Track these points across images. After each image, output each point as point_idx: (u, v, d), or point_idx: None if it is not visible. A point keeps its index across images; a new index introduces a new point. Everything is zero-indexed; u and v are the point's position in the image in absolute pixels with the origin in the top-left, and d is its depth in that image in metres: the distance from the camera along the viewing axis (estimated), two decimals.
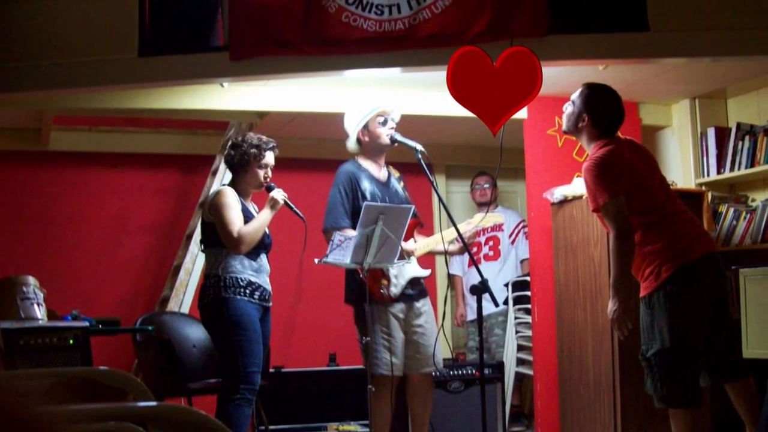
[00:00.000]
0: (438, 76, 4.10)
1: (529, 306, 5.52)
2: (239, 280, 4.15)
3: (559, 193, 5.15)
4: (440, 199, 4.15)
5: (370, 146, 4.40)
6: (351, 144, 4.43)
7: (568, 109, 3.86)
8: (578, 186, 4.94)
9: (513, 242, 6.32)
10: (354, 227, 4.09)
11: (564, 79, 4.68)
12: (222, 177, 5.60)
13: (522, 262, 6.23)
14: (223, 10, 4.25)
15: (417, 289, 4.40)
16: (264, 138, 4.34)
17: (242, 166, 4.28)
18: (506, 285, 6.00)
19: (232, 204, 4.16)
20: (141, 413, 1.80)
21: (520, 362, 5.83)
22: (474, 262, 4.32)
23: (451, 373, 5.22)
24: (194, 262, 5.69)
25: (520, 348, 5.84)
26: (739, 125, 5.44)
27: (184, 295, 5.66)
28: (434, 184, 4.16)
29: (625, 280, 3.59)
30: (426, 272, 4.44)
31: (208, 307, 4.21)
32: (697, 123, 5.67)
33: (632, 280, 3.67)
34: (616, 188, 3.58)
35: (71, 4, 4.29)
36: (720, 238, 5.36)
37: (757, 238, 5.24)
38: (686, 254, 3.60)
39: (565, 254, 5.14)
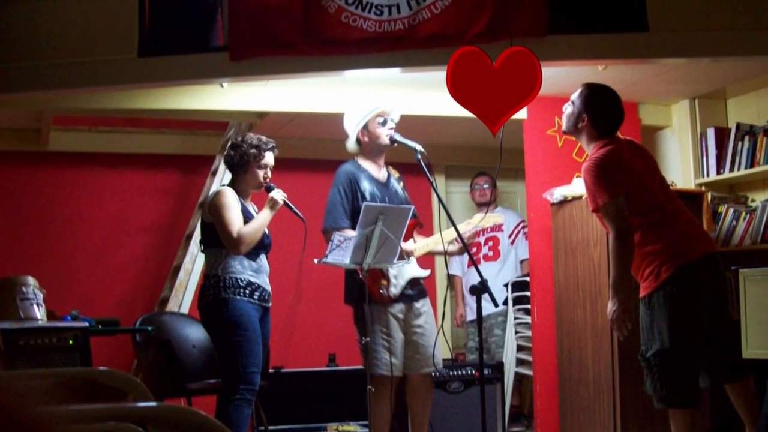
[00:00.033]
0: (437, 76, 4.10)
1: (529, 306, 5.52)
2: (239, 280, 4.15)
3: (558, 193, 5.15)
4: (440, 200, 4.15)
5: (369, 146, 4.40)
6: (350, 144, 4.43)
7: (567, 109, 3.86)
8: (578, 186, 4.94)
9: (512, 242, 6.32)
10: (353, 227, 4.09)
11: (563, 79, 4.68)
12: (221, 177, 5.60)
13: (521, 262, 6.23)
14: (222, 11, 4.25)
15: (416, 289, 4.40)
16: (263, 138, 4.34)
17: (242, 166, 4.28)
18: (506, 285, 6.00)
19: (232, 204, 4.16)
20: (140, 413, 1.80)
21: (520, 362, 5.83)
22: (473, 263, 4.33)
23: (451, 373, 5.22)
24: (194, 262, 5.69)
25: (519, 348, 5.84)
26: (738, 125, 5.44)
27: (184, 295, 5.66)
28: (434, 184, 4.16)
29: (624, 280, 3.59)
30: (425, 272, 4.44)
31: (207, 307, 4.21)
32: (697, 123, 5.67)
33: (632, 280, 3.67)
34: (615, 188, 3.58)
35: (70, 5, 4.29)
36: (720, 238, 5.36)
37: (756, 238, 5.24)
38: (686, 255, 3.60)
39: (564, 254, 5.14)
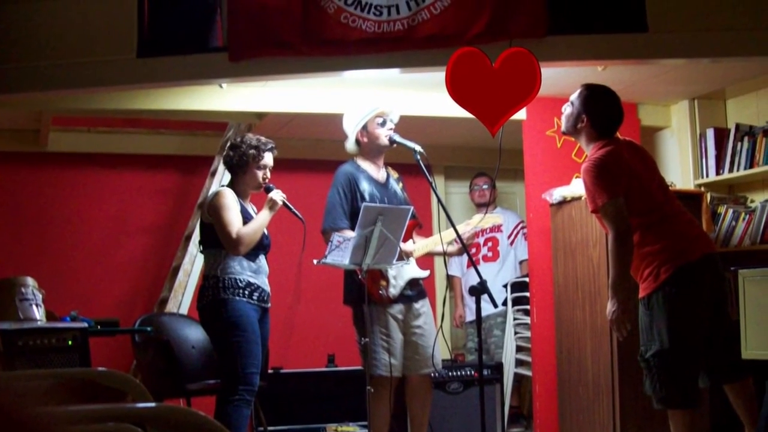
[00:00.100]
0: (437, 77, 4.10)
1: (528, 307, 5.52)
2: (238, 281, 4.15)
3: (558, 194, 5.15)
4: (439, 200, 4.15)
5: (368, 147, 4.40)
6: (350, 145, 4.43)
7: (567, 110, 3.86)
8: (577, 187, 4.94)
9: (512, 243, 6.32)
10: (353, 228, 4.08)
11: (563, 80, 4.68)
12: (221, 178, 5.60)
13: (521, 263, 6.23)
14: (221, 11, 4.25)
15: (416, 290, 4.40)
16: (263, 139, 4.34)
17: (241, 167, 4.28)
18: (505, 286, 6.00)
19: (231, 205, 4.16)
20: (140, 414, 1.80)
21: (519, 363, 5.83)
22: (473, 263, 4.33)
23: (450, 374, 5.22)
24: (193, 263, 5.69)
25: (519, 349, 5.84)
26: (738, 126, 5.45)
27: (183, 296, 5.66)
28: (433, 185, 4.16)
29: (624, 281, 3.59)
30: (425, 273, 4.44)
31: (206, 308, 4.20)
32: (696, 124, 5.68)
33: (631, 281, 3.67)
34: (615, 189, 3.58)
35: (70, 5, 4.29)
36: (719, 239, 5.36)
37: (756, 239, 5.24)
38: (685, 255, 3.60)
39: (564, 255, 5.14)
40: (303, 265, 5.50)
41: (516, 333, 5.86)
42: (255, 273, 4.22)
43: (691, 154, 5.67)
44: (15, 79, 4.26)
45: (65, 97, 4.89)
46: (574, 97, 3.83)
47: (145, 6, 4.24)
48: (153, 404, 1.98)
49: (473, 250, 6.07)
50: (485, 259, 6.31)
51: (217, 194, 4.24)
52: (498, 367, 5.47)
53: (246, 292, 4.16)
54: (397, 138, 4.30)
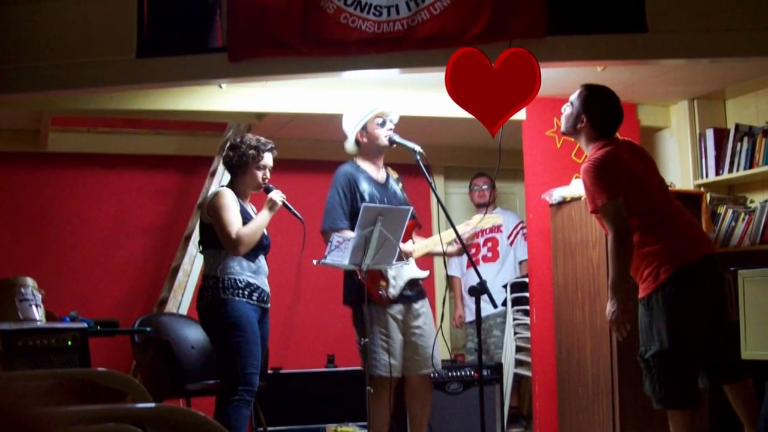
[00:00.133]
0: (436, 77, 4.10)
1: (528, 307, 5.52)
2: (238, 281, 4.15)
3: (557, 194, 5.15)
4: (439, 201, 4.15)
5: (368, 147, 4.40)
6: (349, 145, 4.42)
7: (566, 110, 3.86)
8: (577, 187, 4.94)
9: (511, 243, 6.32)
10: (352, 228, 4.08)
11: (562, 80, 4.68)
12: (220, 178, 5.60)
13: (520, 263, 6.23)
14: (221, 11, 4.25)
15: (415, 290, 4.40)
16: (262, 139, 4.34)
17: (240, 167, 4.28)
18: (505, 286, 6.00)
19: (231, 205, 4.16)
20: (139, 414, 1.80)
21: (519, 363, 5.83)
22: (472, 264, 4.33)
23: (450, 374, 5.22)
24: (192, 263, 5.68)
25: (518, 349, 5.84)
26: (737, 126, 5.45)
27: (183, 296, 5.66)
28: (433, 185, 4.16)
29: (623, 281, 3.59)
30: (424, 273, 4.44)
31: (206, 308, 4.20)
32: (696, 124, 5.68)
33: (631, 281, 3.67)
34: (614, 189, 3.58)
35: (69, 6, 4.29)
36: (719, 239, 5.36)
37: (755, 239, 5.24)
38: (685, 255, 3.60)
39: (563, 255, 5.14)
40: (302, 266, 5.51)
41: (516, 333, 5.86)
42: (255, 273, 4.22)
43: (690, 155, 5.67)
44: (15, 79, 4.26)
45: (65, 97, 4.89)
46: (573, 97, 3.83)
47: (144, 6, 4.24)
48: (152, 405, 1.98)
49: (473, 251, 6.07)
50: (485, 259, 6.31)
51: (216, 194, 4.23)
52: (498, 368, 5.47)
53: (245, 293, 4.16)
54: (397, 138, 4.30)
